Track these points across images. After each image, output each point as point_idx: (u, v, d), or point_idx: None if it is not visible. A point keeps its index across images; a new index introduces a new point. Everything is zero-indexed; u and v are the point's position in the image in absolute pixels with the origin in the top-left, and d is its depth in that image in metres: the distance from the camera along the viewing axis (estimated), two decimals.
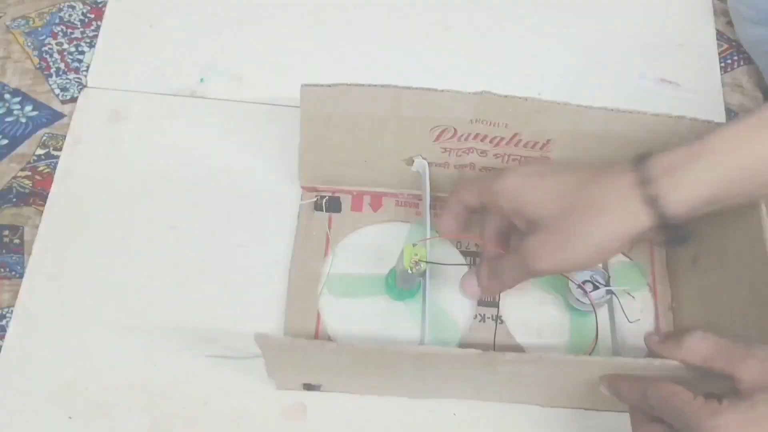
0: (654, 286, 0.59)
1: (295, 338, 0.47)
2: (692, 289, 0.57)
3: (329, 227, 0.60)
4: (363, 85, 0.52)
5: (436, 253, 0.56)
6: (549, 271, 0.48)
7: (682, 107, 0.69)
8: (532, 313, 0.58)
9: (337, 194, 0.61)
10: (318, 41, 0.70)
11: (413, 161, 0.58)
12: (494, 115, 0.54)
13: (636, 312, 0.57)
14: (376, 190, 0.62)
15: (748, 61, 0.72)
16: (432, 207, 0.58)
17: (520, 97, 0.52)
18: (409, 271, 0.52)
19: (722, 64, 0.72)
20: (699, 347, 0.43)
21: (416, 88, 0.52)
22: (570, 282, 0.55)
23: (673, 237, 0.46)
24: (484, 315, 0.57)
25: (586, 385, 0.49)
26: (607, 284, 0.55)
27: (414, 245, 0.52)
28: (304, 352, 0.48)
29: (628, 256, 0.60)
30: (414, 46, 0.70)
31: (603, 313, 0.57)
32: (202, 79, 0.67)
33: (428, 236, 0.56)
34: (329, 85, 0.52)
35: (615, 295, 0.56)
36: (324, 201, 0.61)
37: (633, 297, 0.57)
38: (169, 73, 0.67)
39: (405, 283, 0.56)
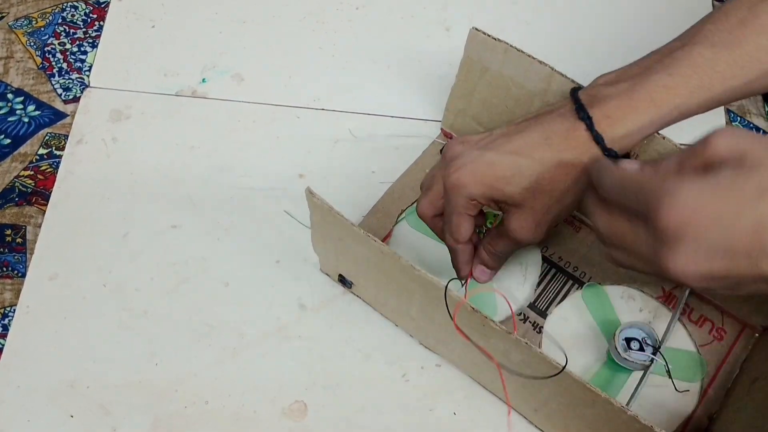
0: (707, 387, 0.55)
1: (333, 208, 0.47)
2: (739, 408, 0.52)
3: None
4: (523, 51, 0.54)
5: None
6: (537, 240, 0.50)
7: None
8: (571, 341, 0.56)
9: None
10: (319, 41, 0.70)
11: None
12: None
13: (671, 396, 0.54)
14: None
15: None
16: None
17: (659, 133, 0.51)
18: (477, 232, 0.53)
19: None
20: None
21: (567, 76, 0.52)
22: (618, 334, 0.54)
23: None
24: (528, 317, 0.57)
25: (573, 411, 0.47)
26: (655, 351, 0.53)
27: (496, 215, 0.54)
28: (336, 223, 0.48)
29: (698, 347, 0.57)
30: (415, 47, 0.71)
31: (637, 374, 0.54)
32: (204, 80, 0.67)
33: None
34: (495, 38, 0.54)
35: (665, 362, 0.53)
36: None
37: (676, 388, 0.54)
38: (171, 73, 0.68)
39: None
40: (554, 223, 0.50)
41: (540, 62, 0.54)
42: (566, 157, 0.47)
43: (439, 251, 0.59)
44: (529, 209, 0.48)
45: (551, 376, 0.44)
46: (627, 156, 0.49)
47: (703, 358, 0.56)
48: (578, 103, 0.47)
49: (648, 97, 0.46)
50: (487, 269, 0.53)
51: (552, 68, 0.53)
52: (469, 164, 0.48)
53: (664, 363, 0.54)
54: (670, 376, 0.54)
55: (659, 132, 0.51)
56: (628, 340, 0.54)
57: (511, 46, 0.54)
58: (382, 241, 0.54)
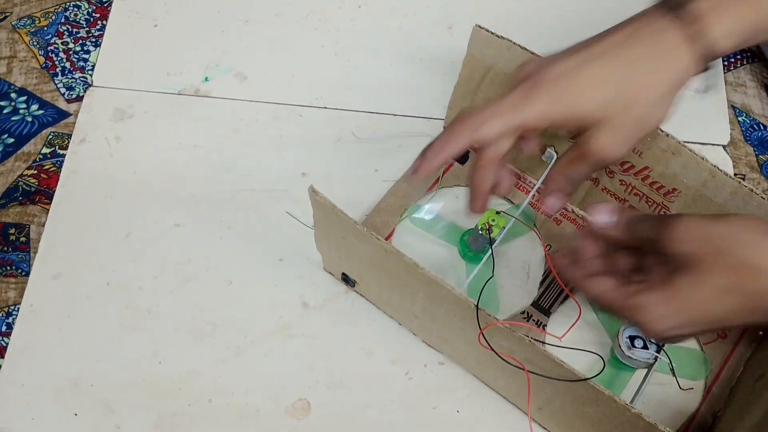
0: (711, 385, 0.55)
1: (336, 207, 0.47)
2: (743, 406, 0.52)
3: (446, 172, 0.62)
4: (527, 49, 0.53)
5: (524, 240, 0.58)
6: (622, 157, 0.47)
7: (685, 106, 0.69)
8: (574, 338, 0.56)
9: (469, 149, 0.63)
10: (321, 40, 0.70)
11: (545, 149, 0.57)
12: None
13: (675, 394, 0.54)
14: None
15: (751, 59, 0.72)
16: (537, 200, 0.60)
17: (662, 131, 0.51)
18: (479, 231, 0.54)
19: (725, 63, 0.72)
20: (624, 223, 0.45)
21: None
22: (622, 332, 0.53)
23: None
24: (531, 315, 0.57)
25: (577, 410, 0.47)
26: (659, 349, 0.53)
27: (498, 213, 0.54)
28: (340, 222, 0.47)
29: (702, 345, 0.56)
30: (417, 45, 0.71)
31: (641, 372, 0.55)
32: (206, 78, 0.67)
33: (508, 227, 0.56)
34: (499, 36, 0.54)
35: (669, 359, 0.53)
36: None
37: (680, 386, 0.54)
38: (173, 72, 0.68)
39: (474, 243, 0.57)
40: (639, 142, 0.45)
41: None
42: (658, 62, 0.43)
43: (442, 250, 0.59)
44: (618, 123, 0.44)
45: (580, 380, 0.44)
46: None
47: (707, 356, 0.56)
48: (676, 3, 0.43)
49: None
50: (562, 195, 0.49)
51: None
52: (548, 83, 0.44)
53: (668, 361, 0.54)
54: (674, 374, 0.54)
55: (663, 130, 0.51)
56: (632, 338, 0.54)
57: (514, 43, 0.54)
58: (385, 239, 0.54)
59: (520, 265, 0.59)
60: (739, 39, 0.43)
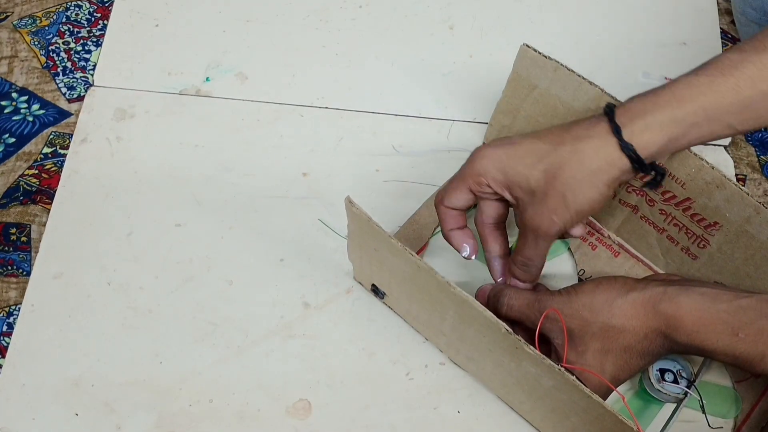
0: (740, 425, 0.54)
1: (372, 219, 0.46)
2: None
3: None
4: (574, 71, 0.53)
5: (557, 264, 0.59)
6: (562, 229, 0.49)
7: None
8: None
9: None
10: (322, 40, 0.70)
11: None
12: (675, 167, 0.51)
13: None
14: None
15: None
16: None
17: (707, 163, 0.50)
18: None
19: None
20: (513, 302, 0.51)
21: (616, 98, 0.51)
22: (652, 365, 0.52)
23: (652, 178, 0.49)
24: None
25: None
26: (690, 385, 0.52)
27: None
28: (374, 234, 0.47)
29: (734, 383, 0.55)
30: (418, 45, 0.71)
31: (669, 407, 0.54)
32: (207, 78, 0.67)
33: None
34: (545, 56, 0.53)
35: (700, 396, 0.52)
36: None
37: (710, 424, 0.53)
38: (174, 72, 0.68)
39: None
40: (575, 218, 0.48)
41: (590, 83, 0.52)
42: (582, 146, 0.47)
43: (475, 266, 0.58)
44: (542, 195, 0.48)
45: None
46: (653, 165, 0.47)
47: (738, 394, 0.55)
48: (607, 106, 0.47)
49: (670, 94, 0.46)
50: (521, 283, 0.53)
51: (602, 90, 0.52)
52: (492, 148, 0.49)
53: (698, 397, 0.52)
54: (703, 411, 0.52)
55: (708, 161, 0.50)
56: (663, 371, 0.53)
57: (561, 65, 0.53)
58: (418, 252, 0.53)
59: (554, 288, 0.58)
60: (660, 134, 0.46)
